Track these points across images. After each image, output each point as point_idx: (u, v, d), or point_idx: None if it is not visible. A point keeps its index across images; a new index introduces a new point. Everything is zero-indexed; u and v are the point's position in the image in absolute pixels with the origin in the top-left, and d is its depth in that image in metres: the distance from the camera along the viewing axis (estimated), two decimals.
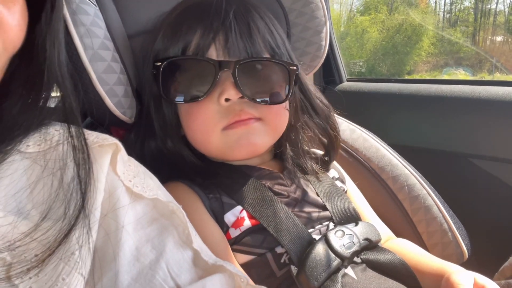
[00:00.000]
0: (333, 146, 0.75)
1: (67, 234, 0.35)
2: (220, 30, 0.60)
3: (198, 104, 0.61)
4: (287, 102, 0.67)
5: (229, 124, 0.62)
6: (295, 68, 0.64)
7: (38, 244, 0.34)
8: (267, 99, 0.63)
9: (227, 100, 0.60)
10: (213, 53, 0.61)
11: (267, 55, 0.64)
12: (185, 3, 0.66)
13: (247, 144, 0.63)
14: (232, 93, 0.60)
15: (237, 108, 0.61)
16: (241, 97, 0.61)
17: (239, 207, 0.61)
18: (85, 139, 0.40)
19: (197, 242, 0.42)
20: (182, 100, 0.62)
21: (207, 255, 0.42)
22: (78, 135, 0.40)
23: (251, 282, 0.43)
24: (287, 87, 0.65)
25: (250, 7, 0.65)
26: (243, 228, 0.60)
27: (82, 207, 0.37)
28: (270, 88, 0.64)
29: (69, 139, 0.40)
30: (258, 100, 0.62)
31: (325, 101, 0.77)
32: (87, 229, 0.36)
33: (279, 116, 0.66)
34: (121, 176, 0.41)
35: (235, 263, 0.58)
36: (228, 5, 0.62)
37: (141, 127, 0.68)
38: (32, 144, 0.39)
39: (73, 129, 0.41)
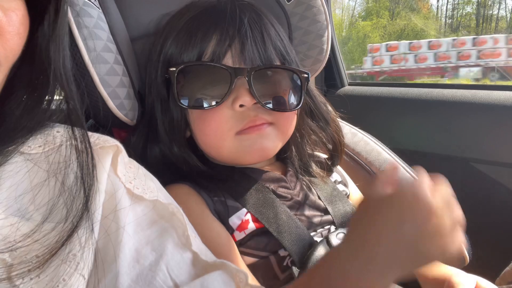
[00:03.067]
0: (337, 150, 0.75)
1: (69, 236, 0.35)
2: (236, 37, 0.61)
3: (212, 109, 0.61)
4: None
5: (243, 129, 0.62)
6: (306, 75, 0.65)
7: (39, 245, 0.34)
8: (280, 105, 0.63)
9: (241, 106, 0.61)
10: (229, 60, 0.61)
11: (278, 62, 0.65)
12: (196, 7, 0.66)
13: (260, 149, 0.63)
14: (247, 100, 0.60)
15: (252, 113, 0.62)
16: (255, 103, 0.61)
17: (243, 210, 0.61)
18: (89, 141, 0.40)
19: (196, 244, 0.42)
20: (197, 106, 0.62)
21: (207, 256, 0.42)
22: (81, 137, 0.40)
23: (251, 281, 0.42)
24: (299, 93, 0.65)
25: (261, 14, 0.66)
26: (247, 231, 0.60)
27: (85, 209, 0.37)
28: (282, 95, 0.64)
29: (72, 140, 0.40)
30: (270, 106, 0.62)
31: (328, 105, 0.77)
32: (89, 231, 0.36)
33: (290, 121, 0.67)
34: (121, 177, 0.41)
35: (241, 263, 0.58)
36: (242, 12, 0.63)
37: (144, 130, 0.67)
38: (34, 145, 0.39)
39: (76, 131, 0.41)
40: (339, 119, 0.90)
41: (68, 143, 0.40)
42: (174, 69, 0.61)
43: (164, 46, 0.65)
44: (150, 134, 0.67)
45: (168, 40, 0.65)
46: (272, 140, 0.64)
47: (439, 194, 0.41)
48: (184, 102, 0.62)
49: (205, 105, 0.61)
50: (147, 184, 0.43)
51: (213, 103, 0.61)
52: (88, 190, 0.38)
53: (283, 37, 0.68)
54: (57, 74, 0.39)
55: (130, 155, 0.45)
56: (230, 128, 0.62)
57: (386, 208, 0.40)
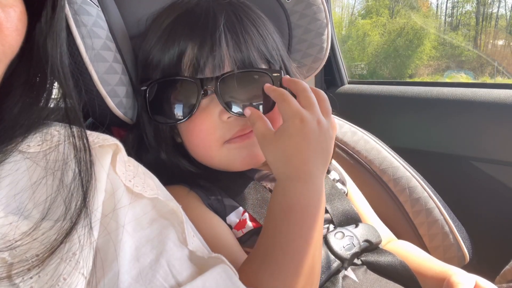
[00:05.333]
0: None
1: (68, 233, 0.35)
2: (213, 45, 0.59)
3: (199, 119, 0.61)
4: None
5: (232, 138, 0.61)
6: (278, 74, 0.62)
7: (39, 244, 0.34)
8: (261, 108, 0.61)
9: (230, 117, 0.60)
10: (208, 70, 0.59)
11: (262, 65, 0.63)
12: (174, 11, 0.64)
13: (250, 157, 0.62)
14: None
15: (241, 122, 0.61)
16: None
17: (241, 209, 0.61)
18: (87, 138, 0.40)
19: (194, 243, 0.42)
20: (170, 121, 0.62)
21: (203, 252, 0.42)
22: (79, 135, 0.40)
23: None
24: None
25: (242, 16, 0.63)
26: (245, 230, 0.60)
27: (84, 206, 0.37)
28: (258, 98, 0.61)
29: (71, 138, 0.40)
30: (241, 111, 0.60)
31: None
32: (88, 229, 0.36)
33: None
34: (121, 176, 0.41)
35: (243, 253, 0.57)
36: (219, 16, 0.61)
37: (137, 134, 0.67)
38: (33, 144, 0.39)
39: (74, 129, 0.40)
40: (339, 118, 0.90)
41: (67, 141, 0.40)
42: (146, 87, 0.62)
43: (146, 54, 0.64)
44: (140, 142, 0.67)
45: (149, 48, 0.64)
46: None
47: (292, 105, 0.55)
48: (159, 118, 0.62)
49: (177, 118, 0.61)
50: (147, 182, 0.43)
51: (184, 116, 0.60)
52: (86, 187, 0.37)
53: (268, 38, 0.65)
54: (55, 70, 0.39)
55: (130, 154, 0.44)
56: (219, 138, 0.61)
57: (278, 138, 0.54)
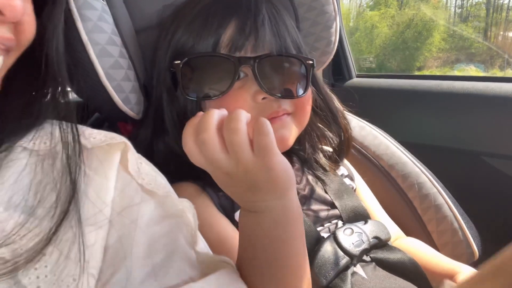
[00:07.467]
0: (342, 146, 0.75)
1: (60, 224, 0.35)
2: (254, 26, 0.60)
3: (233, 99, 0.60)
4: (311, 97, 0.67)
5: None
6: (311, 62, 0.64)
7: (35, 235, 0.34)
8: (291, 93, 0.63)
9: (264, 98, 0.60)
10: (247, 49, 0.60)
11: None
12: None
13: (280, 139, 0.62)
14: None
15: (275, 105, 0.61)
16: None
17: None
18: (77, 131, 0.40)
19: (201, 244, 0.42)
20: (204, 97, 0.61)
21: (208, 254, 0.43)
22: (71, 129, 0.40)
23: None
24: (305, 81, 0.64)
25: (277, 5, 0.65)
26: None
27: (73, 197, 0.37)
28: (292, 82, 0.63)
29: (65, 133, 0.40)
30: (279, 95, 0.61)
31: (335, 99, 0.76)
32: (96, 228, 0.37)
33: (307, 110, 0.66)
34: (133, 174, 0.41)
35: None
36: (260, 3, 0.62)
37: (150, 123, 0.66)
38: (34, 140, 0.39)
39: (68, 125, 0.41)
40: (347, 112, 0.89)
41: (63, 138, 0.40)
42: (179, 61, 0.60)
43: (175, 35, 0.64)
44: (156, 128, 0.66)
45: (180, 29, 0.63)
46: (291, 130, 0.64)
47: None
48: (191, 95, 0.61)
49: (211, 95, 0.60)
50: (158, 181, 0.43)
51: (221, 92, 0.59)
52: (74, 178, 0.38)
53: (296, 30, 0.67)
54: (50, 65, 0.39)
55: (138, 151, 0.44)
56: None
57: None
